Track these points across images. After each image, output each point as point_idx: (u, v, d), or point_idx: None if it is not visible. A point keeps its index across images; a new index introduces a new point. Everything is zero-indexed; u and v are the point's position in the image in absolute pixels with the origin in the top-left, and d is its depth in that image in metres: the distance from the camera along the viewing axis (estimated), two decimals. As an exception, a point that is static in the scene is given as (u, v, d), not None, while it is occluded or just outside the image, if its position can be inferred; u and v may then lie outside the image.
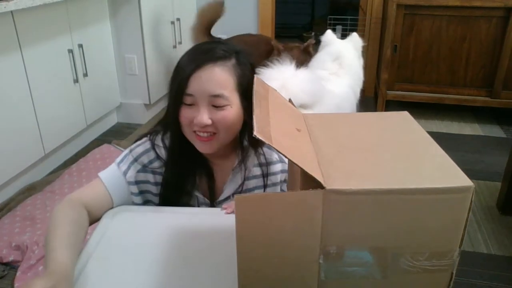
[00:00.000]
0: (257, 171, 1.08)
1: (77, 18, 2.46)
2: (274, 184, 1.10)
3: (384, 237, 0.58)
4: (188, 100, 0.95)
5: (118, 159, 1.05)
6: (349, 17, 3.68)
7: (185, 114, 0.96)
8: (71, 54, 2.42)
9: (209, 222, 0.95)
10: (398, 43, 2.94)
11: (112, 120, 3.05)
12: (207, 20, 2.80)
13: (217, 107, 0.95)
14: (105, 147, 2.60)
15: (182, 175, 1.04)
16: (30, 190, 2.18)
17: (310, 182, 0.56)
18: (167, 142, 1.04)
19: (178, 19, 3.29)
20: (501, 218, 2.04)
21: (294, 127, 0.69)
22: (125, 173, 1.02)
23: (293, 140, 0.65)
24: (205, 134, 0.96)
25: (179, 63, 0.99)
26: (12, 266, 1.72)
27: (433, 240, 0.59)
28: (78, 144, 2.67)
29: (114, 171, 1.04)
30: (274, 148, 0.55)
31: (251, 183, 1.08)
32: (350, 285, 0.62)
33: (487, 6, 2.73)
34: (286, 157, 0.55)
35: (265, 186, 1.08)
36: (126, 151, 1.06)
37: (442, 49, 2.91)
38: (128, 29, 2.82)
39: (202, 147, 0.99)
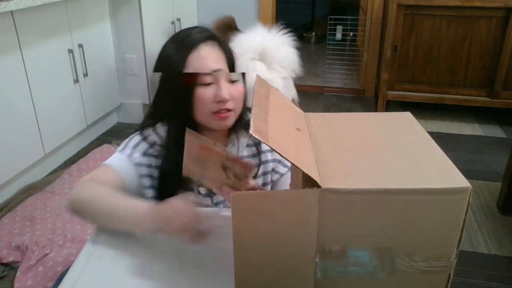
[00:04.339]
0: (247, 151, 1.09)
1: (77, 18, 2.46)
2: (265, 173, 1.12)
3: (380, 237, 0.58)
4: (208, 79, 0.97)
5: (119, 148, 1.05)
6: (349, 17, 3.68)
7: (205, 94, 0.97)
8: (71, 54, 2.42)
9: (208, 221, 0.94)
10: (398, 43, 2.94)
11: (112, 120, 3.06)
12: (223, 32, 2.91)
13: (233, 82, 0.99)
14: (105, 147, 2.60)
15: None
16: (30, 190, 2.18)
17: (310, 181, 0.56)
18: (159, 132, 1.05)
19: (178, 19, 3.29)
20: (501, 218, 2.04)
21: (294, 126, 0.69)
22: (130, 155, 1.02)
23: (291, 139, 0.65)
24: (225, 111, 0.98)
25: (163, 51, 1.04)
26: (12, 267, 1.72)
27: (430, 241, 0.59)
28: (78, 144, 2.67)
29: (119, 156, 1.03)
30: (270, 147, 0.55)
31: None
32: (347, 284, 0.62)
33: (487, 6, 2.73)
34: (282, 155, 0.55)
35: (259, 164, 1.10)
36: (125, 141, 1.06)
37: (442, 49, 2.91)
38: (128, 29, 2.82)
39: (222, 124, 1.00)
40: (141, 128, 1.07)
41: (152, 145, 1.04)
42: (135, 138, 1.05)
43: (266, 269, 0.62)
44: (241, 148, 1.08)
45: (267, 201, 0.58)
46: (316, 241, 0.58)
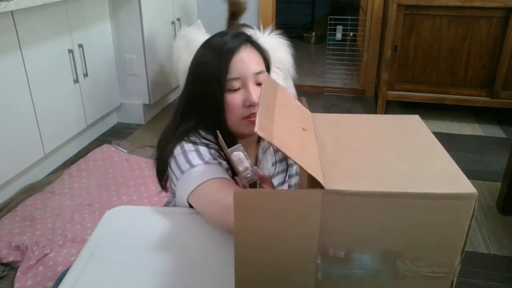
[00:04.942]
0: (277, 156, 1.09)
1: (77, 18, 2.46)
2: (290, 176, 1.12)
3: (383, 241, 0.58)
4: (235, 85, 0.95)
5: (184, 168, 0.92)
6: (349, 17, 3.68)
7: (235, 100, 0.95)
8: (71, 54, 2.42)
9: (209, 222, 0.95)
10: (398, 43, 2.94)
11: (112, 120, 3.05)
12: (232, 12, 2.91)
13: (259, 84, 0.96)
14: (105, 147, 2.60)
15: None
16: (30, 190, 2.18)
17: (315, 182, 0.56)
18: (205, 136, 0.99)
19: (178, 19, 3.29)
20: (501, 218, 2.04)
21: (300, 126, 0.69)
22: (205, 161, 0.92)
23: (297, 139, 0.64)
24: (255, 115, 0.95)
25: (199, 59, 0.99)
26: (12, 267, 1.72)
27: (433, 246, 0.58)
28: (78, 144, 2.67)
29: (198, 170, 0.91)
30: (274, 146, 0.55)
31: (275, 168, 1.10)
32: (348, 287, 0.61)
33: (488, 6, 2.73)
34: (286, 155, 0.55)
35: (287, 169, 1.10)
36: (178, 162, 0.94)
37: (443, 49, 2.91)
38: (128, 29, 2.82)
39: (252, 129, 0.96)
40: (182, 137, 0.98)
41: (207, 145, 0.97)
42: (189, 150, 0.95)
43: (267, 267, 0.61)
44: (273, 154, 1.08)
45: (269, 200, 0.57)
46: (318, 242, 0.58)
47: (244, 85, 0.95)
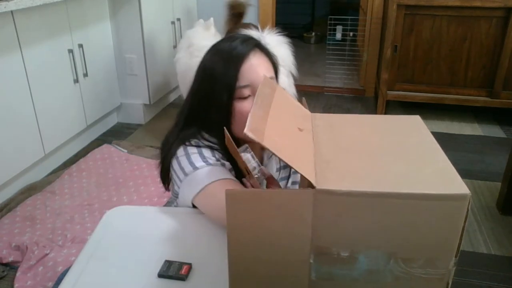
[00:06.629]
0: (281, 162, 1.08)
1: (77, 18, 2.46)
2: (294, 183, 1.11)
3: (375, 241, 0.58)
4: (245, 92, 0.92)
5: (187, 170, 0.92)
6: (349, 17, 3.68)
7: (245, 108, 0.91)
8: (71, 54, 2.42)
9: (208, 222, 0.95)
10: (398, 43, 2.94)
11: (112, 120, 3.06)
12: (235, 12, 2.90)
13: None
14: (105, 147, 2.60)
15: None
16: (30, 190, 2.18)
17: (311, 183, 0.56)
18: (207, 138, 0.98)
19: (178, 19, 3.29)
20: (501, 218, 2.04)
21: (296, 126, 0.69)
22: (208, 163, 0.91)
23: (291, 140, 0.64)
24: None
25: (207, 65, 0.96)
26: (12, 267, 1.72)
27: (426, 247, 0.58)
28: (78, 144, 2.67)
29: (202, 172, 0.90)
30: (264, 146, 0.55)
31: (279, 173, 1.09)
32: (341, 286, 0.61)
33: (487, 6, 2.72)
34: (276, 155, 0.55)
35: (289, 177, 1.09)
36: (182, 164, 0.94)
37: (443, 49, 2.91)
38: (128, 29, 2.82)
39: None
40: (185, 140, 0.97)
41: (212, 149, 0.96)
42: (192, 153, 0.94)
43: (260, 266, 0.61)
44: (277, 160, 1.07)
45: (262, 200, 0.58)
46: (311, 242, 0.58)
47: (254, 93, 0.92)
